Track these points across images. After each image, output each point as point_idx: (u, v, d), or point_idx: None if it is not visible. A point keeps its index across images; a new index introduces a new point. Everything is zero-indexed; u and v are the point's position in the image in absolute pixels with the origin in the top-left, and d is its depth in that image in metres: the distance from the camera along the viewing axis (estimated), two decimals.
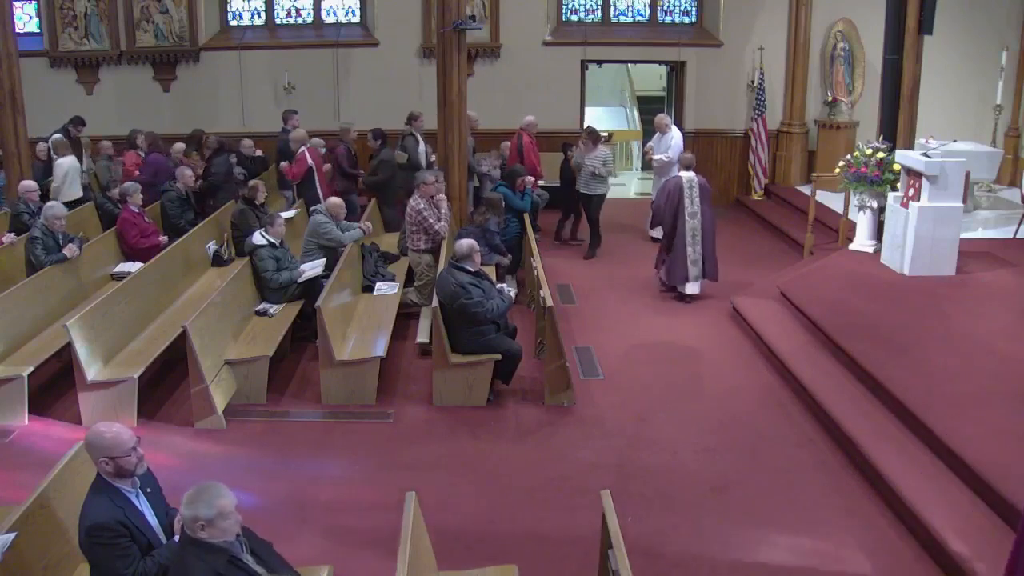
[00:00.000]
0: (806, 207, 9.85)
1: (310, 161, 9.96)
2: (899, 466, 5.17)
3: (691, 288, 8.78)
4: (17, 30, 10.16)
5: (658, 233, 9.44)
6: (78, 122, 10.90)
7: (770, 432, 6.14)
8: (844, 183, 8.70)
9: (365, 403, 6.54)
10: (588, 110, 13.56)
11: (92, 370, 6.12)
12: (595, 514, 3.76)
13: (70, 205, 9.16)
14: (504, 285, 7.15)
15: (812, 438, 6.01)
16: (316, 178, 9.94)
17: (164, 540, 3.59)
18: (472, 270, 6.55)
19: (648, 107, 15.20)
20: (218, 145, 10.26)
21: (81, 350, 6.05)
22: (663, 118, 10.93)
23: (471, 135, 10.26)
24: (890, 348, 6.33)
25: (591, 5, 13.08)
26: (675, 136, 10.72)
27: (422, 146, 10.27)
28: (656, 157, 10.58)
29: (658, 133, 10.84)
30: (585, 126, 11.29)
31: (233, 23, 12.95)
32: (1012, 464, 4.71)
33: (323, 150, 10.61)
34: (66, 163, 9.76)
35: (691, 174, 8.73)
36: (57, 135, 10.41)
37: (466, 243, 6.63)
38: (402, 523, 3.47)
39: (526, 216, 9.38)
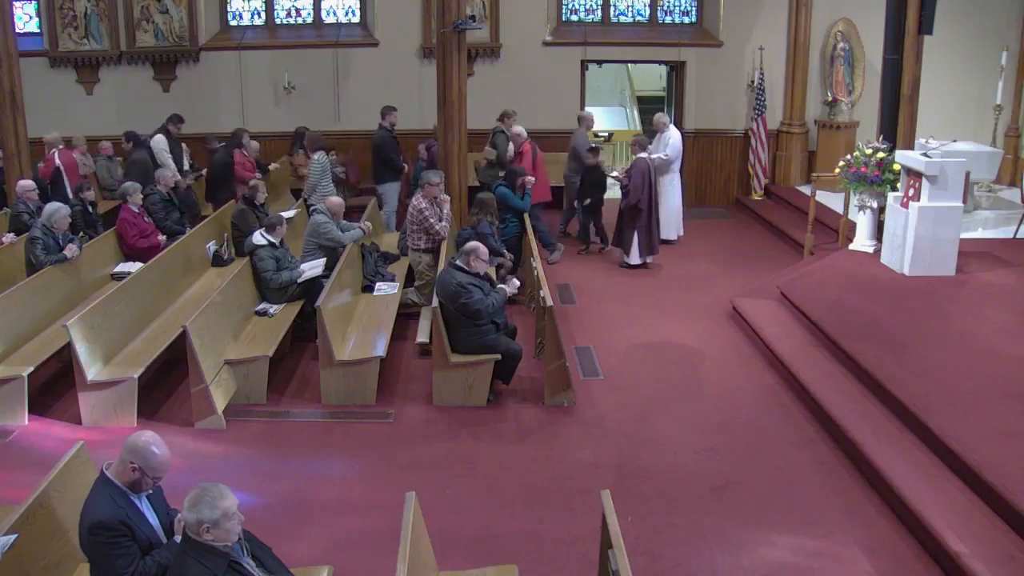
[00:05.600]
0: (806, 207, 9.85)
1: (58, 162, 9.99)
2: (899, 466, 5.17)
3: (652, 257, 9.94)
4: (17, 30, 10.14)
5: (635, 260, 9.92)
6: (176, 120, 10.89)
7: (770, 432, 6.14)
8: (844, 183, 8.70)
9: (365, 403, 6.54)
10: (588, 110, 13.54)
11: (92, 370, 6.12)
12: (595, 514, 3.76)
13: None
14: (504, 285, 7.12)
15: (812, 438, 6.01)
16: (66, 180, 9.84)
17: (164, 540, 3.60)
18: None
19: (648, 107, 15.22)
20: None
21: (81, 350, 6.05)
22: (661, 117, 10.99)
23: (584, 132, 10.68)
24: (890, 348, 6.33)
25: (591, 5, 13.07)
26: (673, 135, 10.75)
27: (511, 144, 10.49)
28: (655, 156, 10.57)
29: (657, 132, 10.88)
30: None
31: (233, 23, 12.94)
32: (1012, 464, 4.71)
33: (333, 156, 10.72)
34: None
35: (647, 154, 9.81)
36: (159, 135, 10.54)
37: (471, 243, 6.64)
38: (402, 523, 3.47)
39: (526, 216, 9.38)
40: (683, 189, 11.15)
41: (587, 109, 13.25)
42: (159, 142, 10.49)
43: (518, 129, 10.31)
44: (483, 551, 4.71)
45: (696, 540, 4.84)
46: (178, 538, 3.45)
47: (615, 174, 10.25)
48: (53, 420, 6.29)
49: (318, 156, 10.00)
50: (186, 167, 10.79)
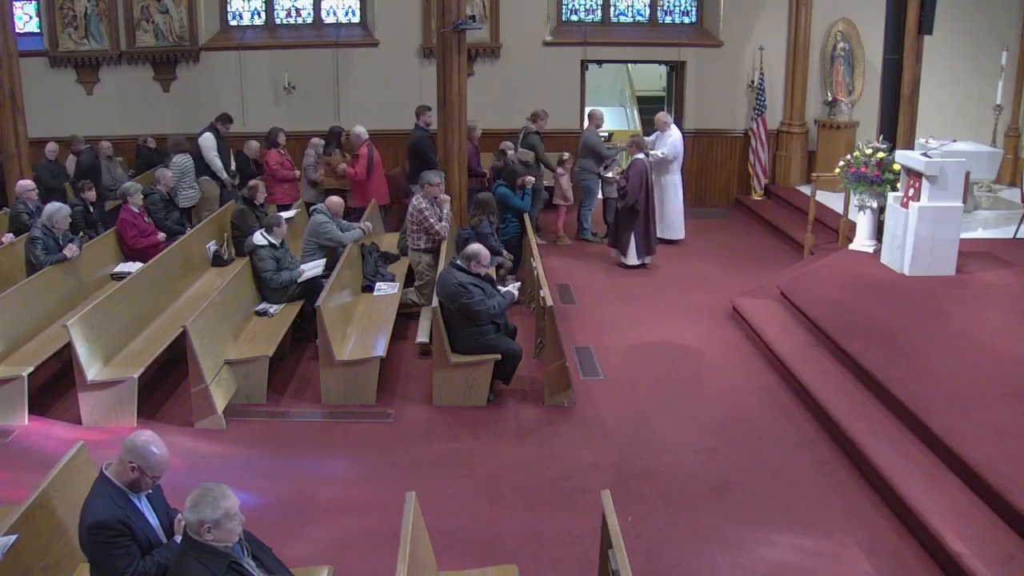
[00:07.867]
0: (806, 207, 9.85)
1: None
2: (899, 466, 5.17)
3: (649, 258, 9.92)
4: (17, 30, 10.15)
5: (632, 261, 9.88)
6: (226, 119, 10.67)
7: (770, 432, 6.14)
8: (844, 183, 8.70)
9: (365, 403, 6.54)
10: (588, 110, 13.54)
11: (92, 370, 6.12)
12: (595, 514, 3.76)
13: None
14: (507, 287, 7.12)
15: (812, 438, 6.01)
16: None
17: (164, 540, 3.60)
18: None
19: (648, 107, 15.20)
20: None
21: (81, 350, 6.05)
22: (663, 116, 10.99)
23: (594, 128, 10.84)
24: (890, 348, 6.33)
25: (591, 5, 13.07)
26: (673, 135, 10.74)
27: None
28: (653, 153, 10.57)
29: (657, 131, 10.88)
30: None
31: (233, 23, 12.94)
32: (1012, 464, 4.71)
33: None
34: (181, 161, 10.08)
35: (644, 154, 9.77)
36: (207, 133, 10.42)
37: (474, 246, 6.64)
38: (402, 523, 3.47)
39: (526, 216, 9.38)
40: (684, 189, 11.14)
41: (587, 109, 13.28)
42: (207, 140, 10.34)
43: (359, 130, 10.18)
44: (483, 551, 4.71)
45: (696, 540, 4.84)
46: (178, 538, 3.45)
47: (610, 175, 10.24)
48: (53, 420, 6.29)
49: (178, 159, 10.00)
50: (233, 167, 10.72)
